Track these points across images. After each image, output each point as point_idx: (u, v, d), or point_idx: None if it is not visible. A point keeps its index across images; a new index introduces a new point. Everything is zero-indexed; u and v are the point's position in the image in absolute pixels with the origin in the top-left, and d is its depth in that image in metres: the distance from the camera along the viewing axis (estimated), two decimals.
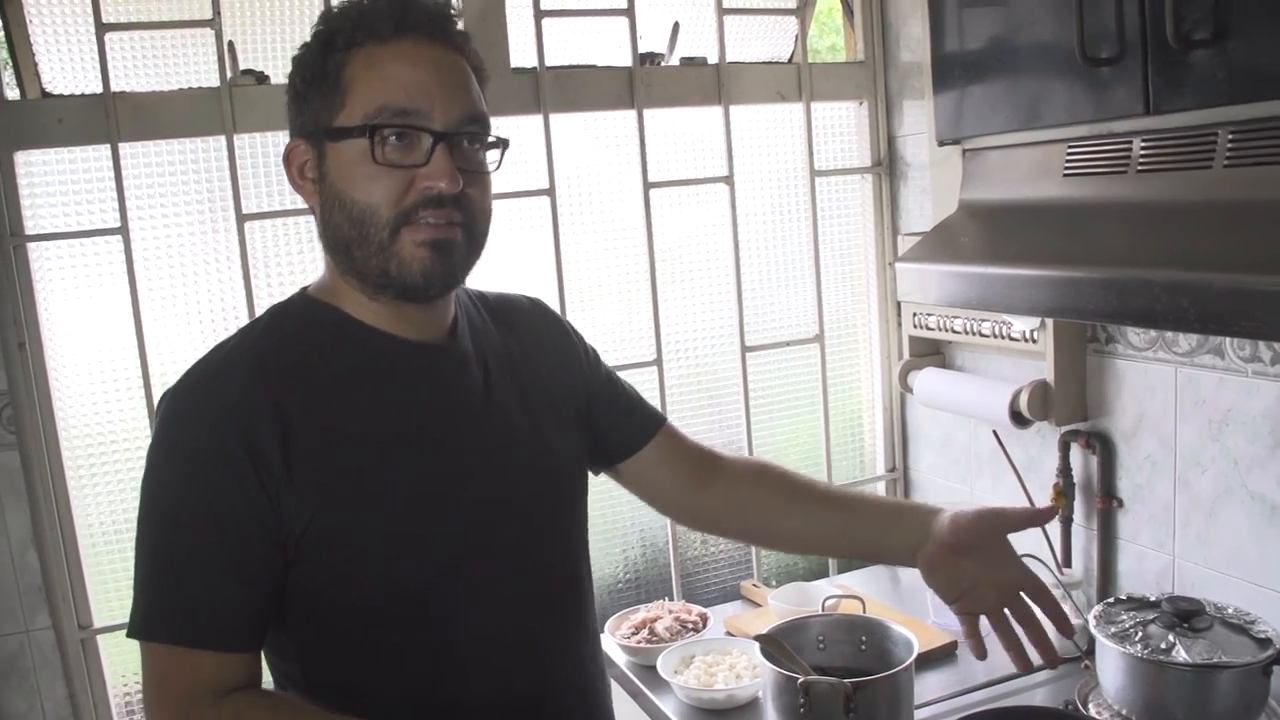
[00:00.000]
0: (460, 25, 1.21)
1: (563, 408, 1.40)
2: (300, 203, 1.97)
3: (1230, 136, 1.26)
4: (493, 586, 1.23)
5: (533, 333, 1.42)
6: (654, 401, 2.28)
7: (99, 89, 1.89)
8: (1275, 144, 1.21)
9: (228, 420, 1.11)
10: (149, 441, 1.16)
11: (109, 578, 2.02)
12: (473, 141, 1.18)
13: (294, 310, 1.24)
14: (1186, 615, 1.60)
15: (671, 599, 2.31)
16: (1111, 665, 1.62)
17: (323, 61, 1.14)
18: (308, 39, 1.18)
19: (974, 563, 1.40)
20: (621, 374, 2.26)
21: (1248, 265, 1.15)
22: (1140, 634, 1.60)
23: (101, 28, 1.87)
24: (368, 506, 1.15)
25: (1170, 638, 1.58)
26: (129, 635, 1.12)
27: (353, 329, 1.21)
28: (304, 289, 1.27)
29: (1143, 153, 1.38)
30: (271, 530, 1.11)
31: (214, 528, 1.10)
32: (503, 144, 1.22)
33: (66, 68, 1.92)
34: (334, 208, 1.16)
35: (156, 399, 1.90)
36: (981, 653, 1.45)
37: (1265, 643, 1.54)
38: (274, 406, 1.12)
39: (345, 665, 1.19)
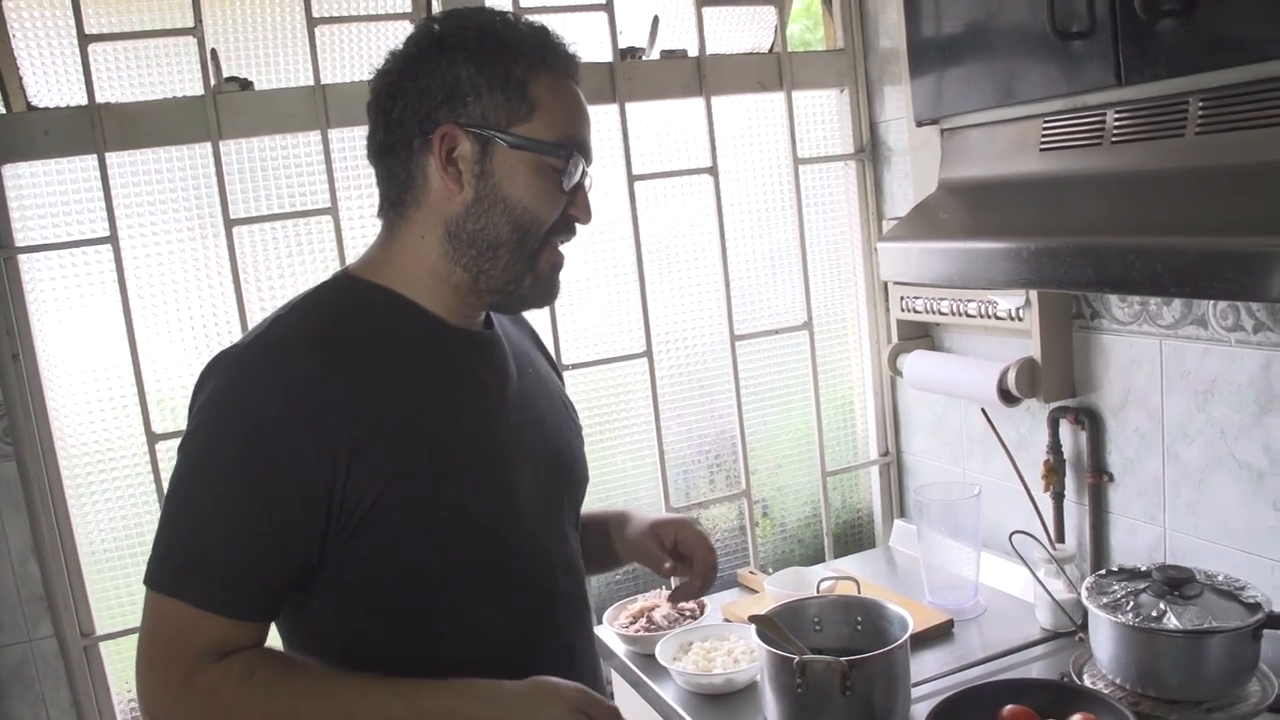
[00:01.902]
0: None
1: (571, 412, 1.48)
2: (286, 206, 2.04)
3: (1201, 104, 1.28)
4: (532, 563, 1.30)
5: (529, 335, 1.51)
6: (645, 394, 2.33)
7: (84, 100, 1.90)
8: (1245, 110, 1.23)
9: (297, 393, 1.13)
10: (205, 397, 1.17)
11: (109, 585, 2.03)
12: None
13: (342, 289, 1.27)
14: (1177, 583, 1.61)
15: (668, 588, 2.32)
16: (1104, 635, 1.64)
17: (506, 66, 1.19)
18: (439, 27, 1.22)
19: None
20: (612, 367, 2.31)
21: (1219, 228, 1.17)
22: (1131, 603, 1.62)
23: (84, 39, 1.88)
24: (433, 485, 1.20)
25: (1161, 606, 1.59)
26: (146, 582, 1.14)
27: (407, 309, 1.25)
28: (344, 270, 1.30)
29: (1116, 124, 1.40)
30: (325, 507, 1.13)
31: (262, 502, 1.13)
32: (592, 183, 1.31)
33: (51, 80, 1.94)
34: (494, 207, 1.21)
35: (150, 405, 1.95)
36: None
37: (1254, 607, 1.56)
38: (344, 382, 1.16)
39: (386, 632, 1.22)
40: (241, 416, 1.14)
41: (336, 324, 1.21)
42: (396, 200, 1.25)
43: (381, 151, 1.25)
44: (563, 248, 1.29)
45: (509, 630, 1.28)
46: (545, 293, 1.29)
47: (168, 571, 1.13)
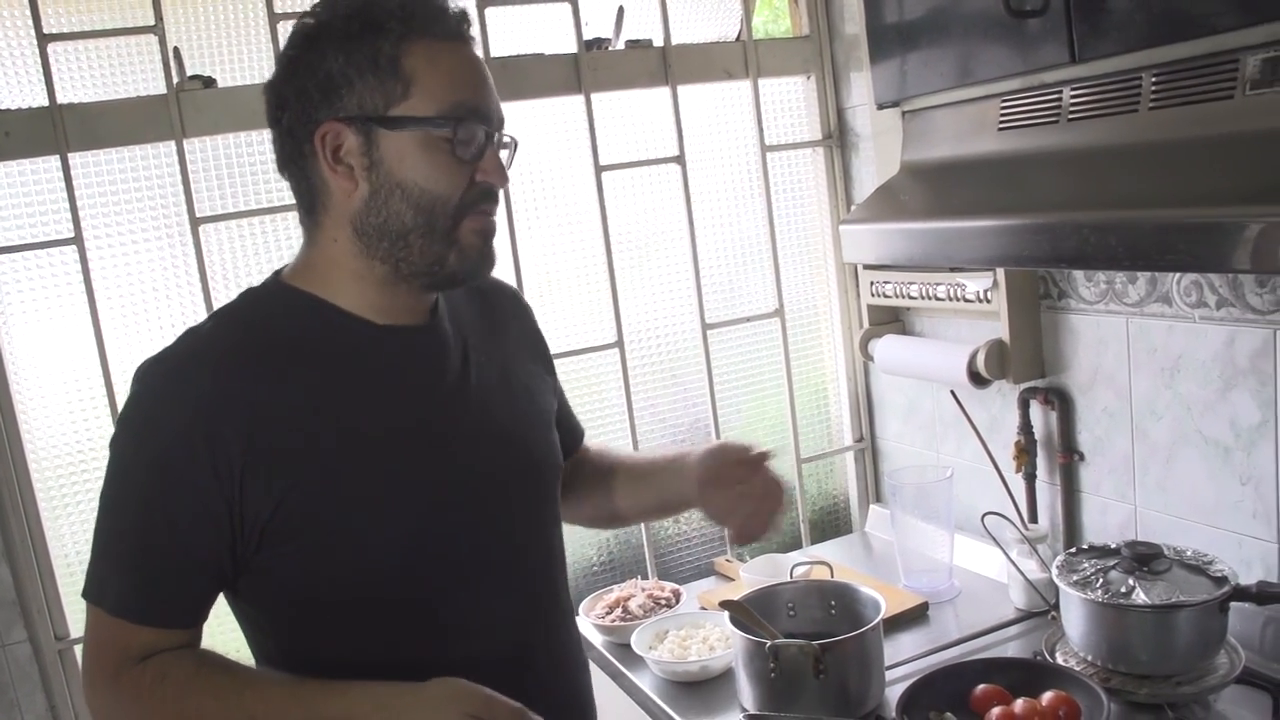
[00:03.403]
0: None
1: (539, 396, 1.44)
2: (253, 203, 2.03)
3: (1154, 79, 1.29)
4: (471, 562, 1.27)
5: (514, 321, 1.47)
6: (617, 384, 2.33)
7: (44, 101, 1.88)
8: (1196, 83, 1.24)
9: (194, 411, 1.13)
10: (121, 411, 1.19)
11: (82, 587, 2.01)
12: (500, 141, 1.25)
13: (268, 295, 1.26)
14: (1145, 559, 1.63)
15: (645, 578, 2.32)
16: (1075, 613, 1.65)
17: (374, 46, 1.14)
18: (313, 20, 1.17)
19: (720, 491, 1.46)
20: (583, 358, 2.31)
21: (1170, 201, 1.18)
22: (1101, 580, 1.63)
23: (43, 39, 1.86)
24: (338, 490, 1.18)
25: (1130, 582, 1.60)
26: (83, 595, 1.18)
27: (328, 314, 1.23)
28: (277, 273, 1.28)
29: (1073, 101, 1.41)
30: (227, 520, 1.14)
31: (169, 517, 1.14)
32: (514, 144, 1.27)
33: (10, 81, 1.92)
34: (393, 196, 1.17)
35: (119, 407, 1.93)
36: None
37: (1221, 581, 1.57)
38: (243, 396, 1.15)
39: (323, 640, 1.22)
40: (145, 435, 1.16)
41: (247, 337, 1.20)
42: (308, 208, 1.23)
43: (283, 163, 1.22)
44: (516, 218, 1.26)
45: (446, 627, 1.25)
46: (477, 265, 1.24)
47: (92, 582, 1.17)
